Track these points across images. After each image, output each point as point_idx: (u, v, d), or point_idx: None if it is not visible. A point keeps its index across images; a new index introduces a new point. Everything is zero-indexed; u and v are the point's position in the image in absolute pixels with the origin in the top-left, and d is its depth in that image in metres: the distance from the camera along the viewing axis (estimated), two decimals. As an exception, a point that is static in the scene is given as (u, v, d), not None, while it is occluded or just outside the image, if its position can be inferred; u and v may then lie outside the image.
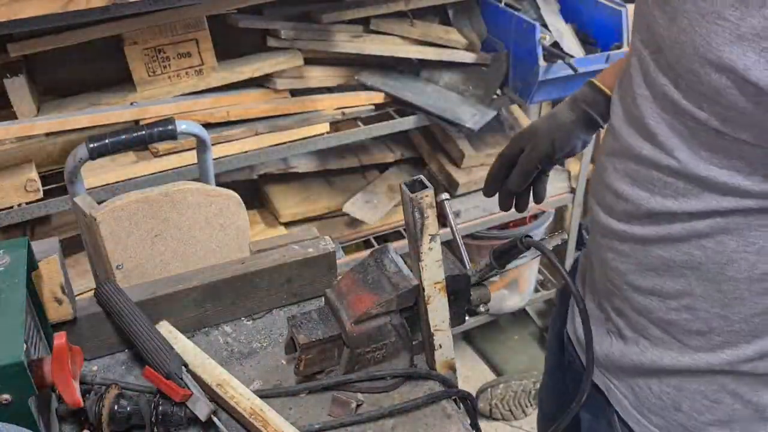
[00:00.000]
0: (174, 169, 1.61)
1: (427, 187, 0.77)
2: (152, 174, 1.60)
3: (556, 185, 2.22)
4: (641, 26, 0.77)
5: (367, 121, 1.85)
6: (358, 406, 0.85)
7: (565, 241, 2.35)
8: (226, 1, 1.65)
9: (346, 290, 0.87)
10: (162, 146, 1.59)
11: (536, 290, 2.47)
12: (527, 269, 2.33)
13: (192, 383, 0.80)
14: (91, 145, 1.15)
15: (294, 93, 1.81)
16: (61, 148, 1.56)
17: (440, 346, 0.87)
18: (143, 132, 1.20)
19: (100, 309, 0.90)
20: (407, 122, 1.85)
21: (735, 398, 0.83)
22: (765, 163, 0.68)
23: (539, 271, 2.49)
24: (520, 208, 1.07)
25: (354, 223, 2.00)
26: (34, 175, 1.48)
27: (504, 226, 2.23)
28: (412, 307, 0.87)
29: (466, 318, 0.93)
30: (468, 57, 1.92)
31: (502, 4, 1.93)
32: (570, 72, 1.79)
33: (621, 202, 0.82)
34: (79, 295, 1.14)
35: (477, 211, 2.10)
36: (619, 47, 1.88)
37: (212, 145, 1.35)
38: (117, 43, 1.61)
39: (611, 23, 1.90)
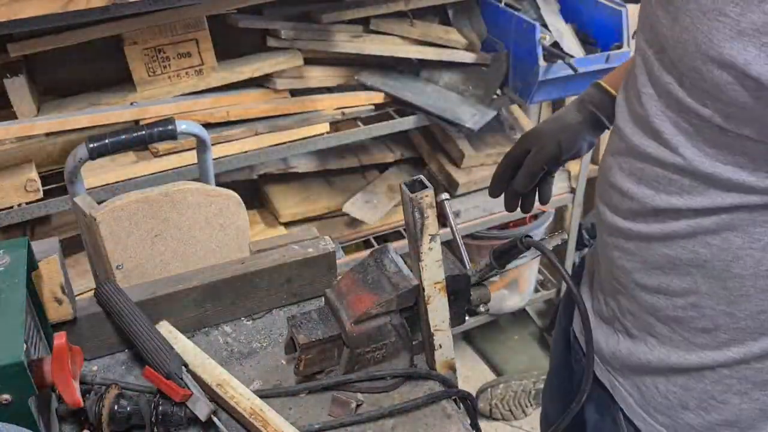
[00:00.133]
0: (174, 169, 1.61)
1: (427, 187, 0.77)
2: (152, 174, 1.60)
3: (556, 185, 2.20)
4: (645, 26, 0.78)
5: (367, 121, 1.85)
6: (358, 406, 0.85)
7: (565, 241, 2.35)
8: (226, 1, 1.65)
9: (346, 290, 0.87)
10: (162, 146, 1.59)
11: (536, 290, 2.47)
12: (527, 269, 2.33)
13: (192, 383, 0.80)
14: (91, 145, 1.15)
15: (294, 93, 1.81)
16: (61, 148, 1.56)
17: (440, 346, 0.88)
18: (143, 132, 1.20)
19: (100, 309, 0.90)
20: (407, 122, 1.85)
21: (742, 398, 0.83)
22: None
23: (539, 271, 2.49)
24: (526, 208, 1.07)
25: (354, 223, 2.00)
26: (34, 175, 1.48)
27: (504, 226, 2.23)
28: (412, 307, 0.87)
29: (466, 318, 0.93)
30: (468, 57, 1.92)
31: (502, 4, 1.93)
32: (570, 72, 1.79)
33: (626, 200, 0.82)
34: (79, 295, 1.14)
35: (477, 211, 2.10)
36: (619, 47, 1.88)
37: (212, 145, 1.35)
38: (117, 43, 1.61)
39: (611, 23, 1.90)
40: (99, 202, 1.04)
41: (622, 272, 0.86)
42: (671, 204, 0.77)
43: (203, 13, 1.64)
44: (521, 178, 1.02)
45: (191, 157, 1.57)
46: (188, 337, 0.90)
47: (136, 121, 1.59)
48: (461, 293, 0.89)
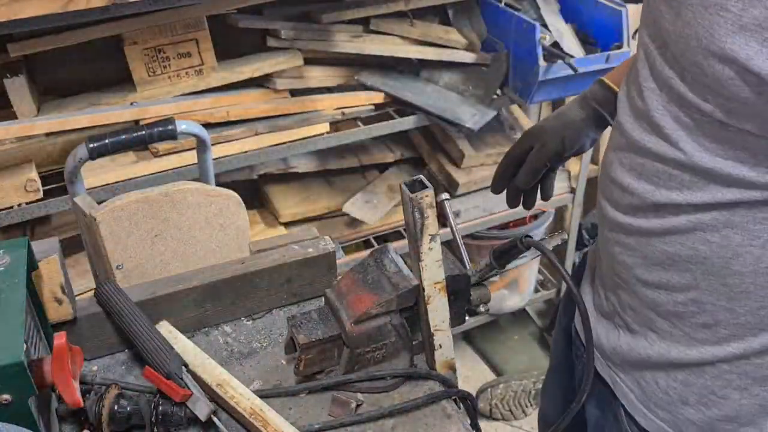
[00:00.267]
0: (174, 169, 1.61)
1: (427, 187, 0.77)
2: (152, 174, 1.60)
3: (556, 185, 2.22)
4: (648, 21, 0.78)
5: (367, 121, 1.85)
6: (358, 406, 0.85)
7: (565, 241, 2.35)
8: (226, 1, 1.65)
9: (346, 290, 0.87)
10: (162, 146, 1.59)
11: (536, 290, 2.47)
12: (527, 269, 2.33)
13: (192, 383, 0.80)
14: (91, 145, 1.15)
15: (294, 93, 1.81)
16: (61, 148, 1.56)
17: (440, 346, 0.88)
18: (143, 132, 1.20)
19: (100, 309, 0.90)
20: (407, 122, 1.85)
21: (742, 393, 0.83)
22: None
23: (539, 271, 2.49)
24: (528, 205, 1.08)
25: (354, 223, 2.00)
26: (34, 175, 1.48)
27: (504, 226, 2.23)
28: (412, 307, 0.87)
29: (466, 318, 0.93)
30: (468, 57, 1.92)
31: (502, 4, 1.93)
32: (570, 72, 1.79)
33: (627, 195, 0.82)
34: (79, 295, 1.14)
35: (477, 211, 2.10)
36: (619, 47, 1.88)
37: (212, 145, 1.35)
38: (117, 43, 1.61)
39: (611, 23, 1.90)
40: (99, 202, 1.04)
41: (623, 267, 0.87)
42: (671, 199, 0.77)
43: (203, 13, 1.64)
44: (524, 175, 1.02)
45: (191, 157, 1.57)
46: (188, 337, 0.90)
47: (136, 121, 1.59)
48: (461, 293, 0.89)
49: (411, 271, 0.86)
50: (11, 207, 1.48)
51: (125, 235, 1.03)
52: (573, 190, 2.23)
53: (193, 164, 1.58)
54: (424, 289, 0.83)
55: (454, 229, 0.95)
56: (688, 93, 0.71)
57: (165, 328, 0.90)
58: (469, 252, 0.94)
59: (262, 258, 0.99)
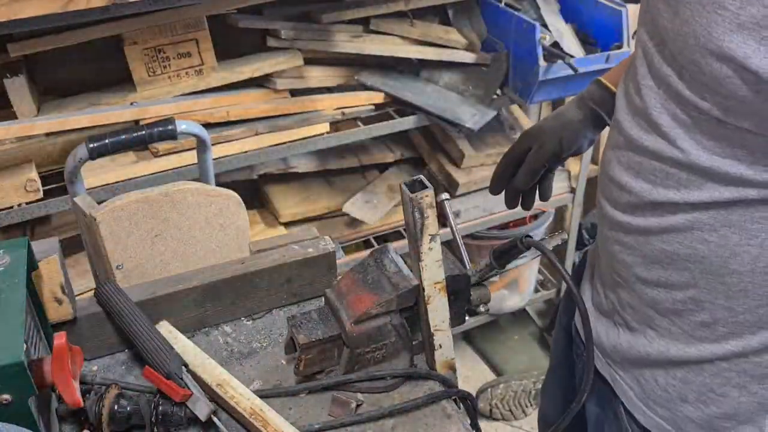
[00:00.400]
0: (174, 169, 1.61)
1: (427, 187, 0.77)
2: (152, 174, 1.60)
3: (556, 185, 2.20)
4: (647, 18, 0.78)
5: (367, 121, 1.85)
6: (358, 406, 0.85)
7: (565, 241, 2.35)
8: (226, 1, 1.65)
9: (346, 290, 0.87)
10: (162, 146, 1.59)
11: (536, 290, 2.47)
12: (527, 269, 2.33)
13: (192, 383, 0.80)
14: (91, 145, 1.15)
15: (294, 93, 1.81)
16: (61, 148, 1.56)
17: (440, 346, 0.88)
18: (143, 132, 1.20)
19: (100, 309, 0.90)
20: (407, 122, 1.85)
21: (741, 391, 0.83)
22: (766, 152, 0.69)
23: (539, 271, 2.49)
24: (526, 206, 1.08)
25: (354, 223, 2.00)
26: (34, 175, 1.48)
27: (504, 226, 2.23)
28: (412, 307, 0.87)
29: (466, 318, 0.93)
30: (468, 57, 1.92)
31: (502, 4, 1.93)
32: (570, 72, 1.79)
33: (625, 194, 0.83)
34: (79, 295, 1.14)
35: (477, 211, 2.10)
36: (619, 47, 1.88)
37: (212, 145, 1.35)
38: (117, 43, 1.61)
39: (611, 23, 1.90)
40: (99, 202, 1.04)
41: (623, 266, 0.87)
42: (669, 198, 0.77)
43: (203, 13, 1.64)
44: (522, 176, 1.02)
45: (191, 157, 1.56)
46: (188, 337, 0.90)
47: (136, 121, 1.59)
48: (461, 293, 0.89)
49: (411, 271, 0.86)
50: (11, 207, 1.48)
51: (125, 235, 1.03)
52: (573, 190, 2.23)
53: (193, 164, 1.58)
54: (424, 289, 0.83)
55: (454, 229, 0.95)
56: (685, 91, 0.71)
57: (165, 328, 0.90)
58: (469, 252, 0.94)
59: (262, 258, 0.99)
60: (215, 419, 0.79)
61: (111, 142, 1.17)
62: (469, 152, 2.02)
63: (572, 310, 1.08)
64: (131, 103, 1.62)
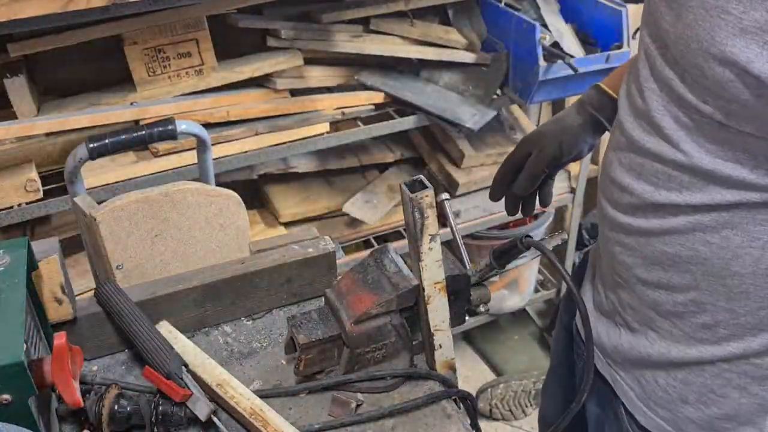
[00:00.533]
0: (174, 169, 1.61)
1: (427, 187, 0.77)
2: (152, 174, 1.60)
3: (556, 185, 2.21)
4: (649, 21, 0.78)
5: (367, 121, 1.85)
6: (358, 406, 0.85)
7: (565, 241, 2.35)
8: (226, 1, 1.65)
9: (346, 290, 0.87)
10: (162, 146, 1.59)
11: (536, 290, 2.47)
12: (527, 269, 2.33)
13: (192, 383, 0.80)
14: (91, 145, 1.15)
15: (294, 93, 1.81)
16: (61, 148, 1.56)
17: (440, 346, 0.87)
18: (143, 132, 1.20)
19: (100, 309, 0.90)
20: (407, 122, 1.85)
21: (741, 392, 0.83)
22: None
23: (539, 271, 2.49)
24: (527, 212, 1.08)
25: (354, 223, 2.00)
26: (34, 175, 1.48)
27: (504, 226, 2.23)
28: (412, 307, 0.87)
29: (466, 318, 0.93)
30: (468, 57, 1.92)
31: (502, 4, 1.93)
32: (570, 72, 1.79)
33: (626, 195, 0.83)
34: (79, 295, 1.14)
35: (477, 211, 2.10)
36: (619, 47, 1.88)
37: (212, 145, 1.35)
38: (117, 43, 1.61)
39: (611, 23, 1.90)
40: (99, 202, 1.04)
41: (623, 267, 0.87)
42: (670, 200, 0.77)
43: (203, 13, 1.64)
44: (522, 182, 1.02)
45: (191, 157, 1.56)
46: (188, 337, 0.90)
47: (136, 121, 1.59)
48: (461, 293, 0.89)
49: (411, 271, 0.86)
50: (11, 207, 1.48)
51: (125, 235, 1.03)
52: (573, 190, 2.24)
53: (193, 164, 1.58)
54: (424, 289, 0.83)
55: (454, 229, 0.95)
56: (688, 94, 0.71)
57: (165, 328, 0.90)
58: (469, 252, 0.94)
59: (262, 258, 0.99)
60: (215, 419, 0.79)
61: (111, 142, 1.17)
62: (469, 152, 2.02)
63: (573, 309, 1.08)
64: (131, 103, 1.62)
